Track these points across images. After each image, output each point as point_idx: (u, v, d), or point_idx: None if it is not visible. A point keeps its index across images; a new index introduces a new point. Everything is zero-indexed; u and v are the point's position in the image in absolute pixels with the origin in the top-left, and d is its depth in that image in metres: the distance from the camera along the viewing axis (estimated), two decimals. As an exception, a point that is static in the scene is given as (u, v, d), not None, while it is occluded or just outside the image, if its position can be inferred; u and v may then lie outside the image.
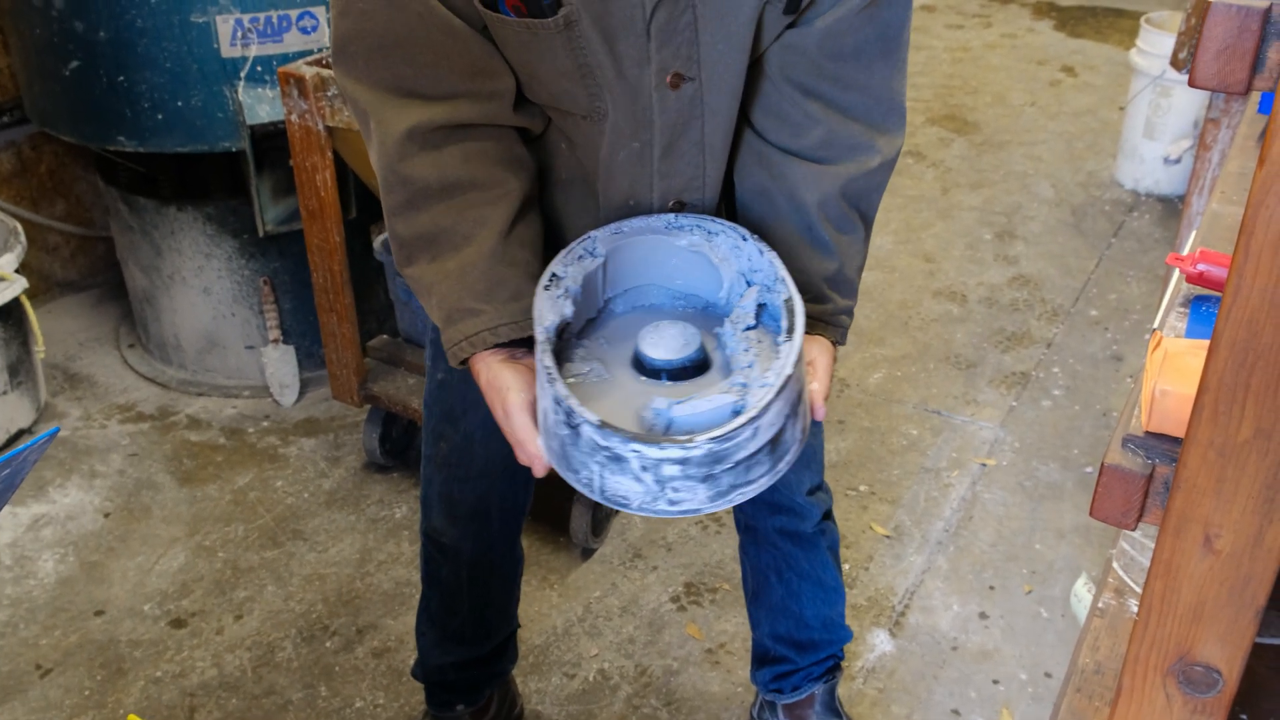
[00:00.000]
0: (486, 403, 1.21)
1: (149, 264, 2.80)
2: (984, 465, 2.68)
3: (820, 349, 1.25)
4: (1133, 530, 0.89)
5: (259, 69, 2.46)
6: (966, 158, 4.29)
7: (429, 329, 1.54)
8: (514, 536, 1.74)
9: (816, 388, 1.21)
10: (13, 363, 2.62)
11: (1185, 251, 1.13)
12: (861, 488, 2.60)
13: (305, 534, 2.44)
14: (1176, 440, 0.84)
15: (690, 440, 1.00)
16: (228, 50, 2.43)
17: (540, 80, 1.20)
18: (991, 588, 2.33)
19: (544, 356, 1.08)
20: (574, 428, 1.04)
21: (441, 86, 1.16)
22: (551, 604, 2.26)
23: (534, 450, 1.15)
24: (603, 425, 1.02)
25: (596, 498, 1.08)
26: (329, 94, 2.16)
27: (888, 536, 2.46)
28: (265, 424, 2.79)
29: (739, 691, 2.09)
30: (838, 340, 1.32)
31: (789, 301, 1.14)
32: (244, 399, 2.86)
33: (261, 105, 2.46)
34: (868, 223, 1.34)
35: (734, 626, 2.22)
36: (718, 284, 1.23)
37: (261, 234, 2.61)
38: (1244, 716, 1.06)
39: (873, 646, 2.18)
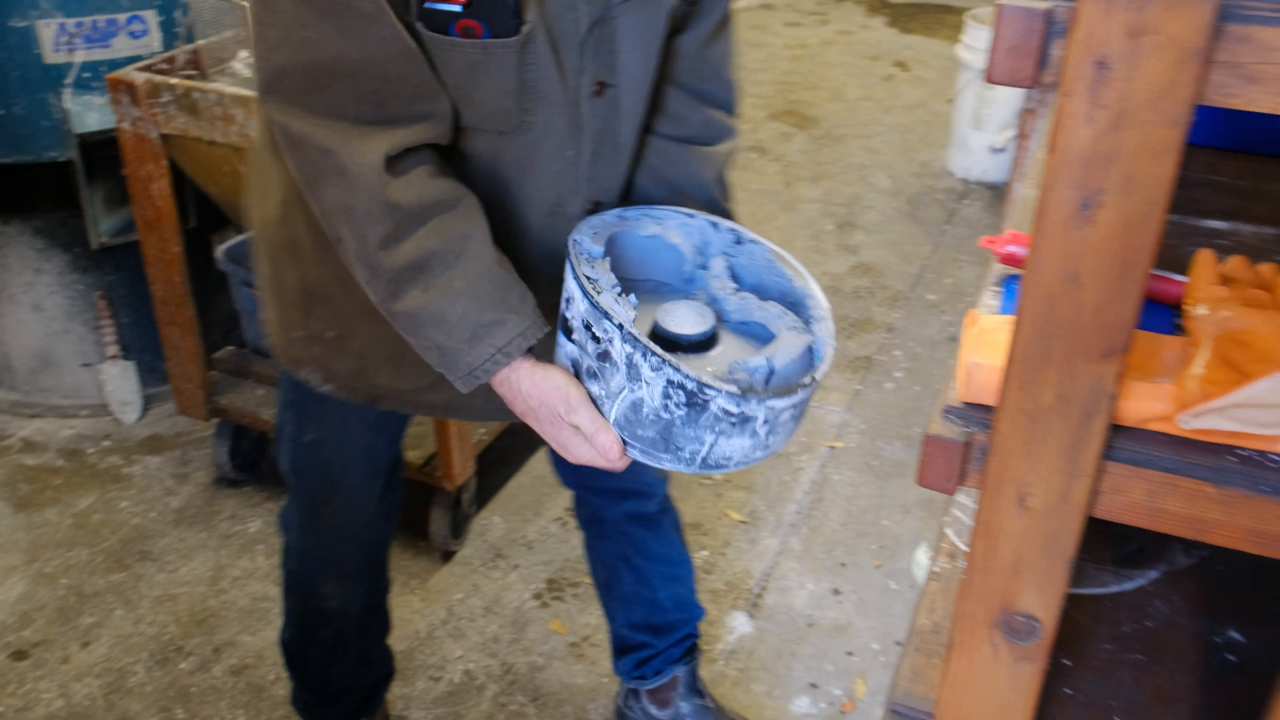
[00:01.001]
0: (528, 411, 1.21)
1: (-27, 282, 2.67)
2: (832, 448, 2.78)
3: None
4: (954, 495, 0.96)
5: (86, 75, 2.37)
6: (807, 151, 4.41)
7: (284, 388, 1.50)
8: (387, 569, 1.76)
9: None
10: None
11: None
12: (716, 476, 2.67)
13: (154, 554, 2.37)
14: (990, 409, 0.90)
15: (812, 379, 1.15)
16: (51, 56, 2.34)
17: (473, 100, 1.19)
18: (843, 564, 2.42)
19: (653, 346, 1.10)
20: (698, 405, 1.10)
21: (399, 110, 1.14)
22: (413, 609, 2.26)
23: (607, 441, 1.16)
24: (744, 392, 1.09)
25: (692, 470, 1.16)
26: (162, 100, 2.11)
27: (743, 522, 2.53)
28: (106, 443, 2.69)
29: (604, 682, 2.12)
30: None
31: (775, 251, 1.28)
32: (82, 419, 2.76)
33: (90, 113, 2.38)
34: None
35: (597, 619, 2.25)
36: (677, 262, 1.30)
37: (95, 246, 2.52)
38: (1067, 662, 1.14)
39: (732, 629, 2.24)
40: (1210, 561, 1.30)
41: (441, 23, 1.13)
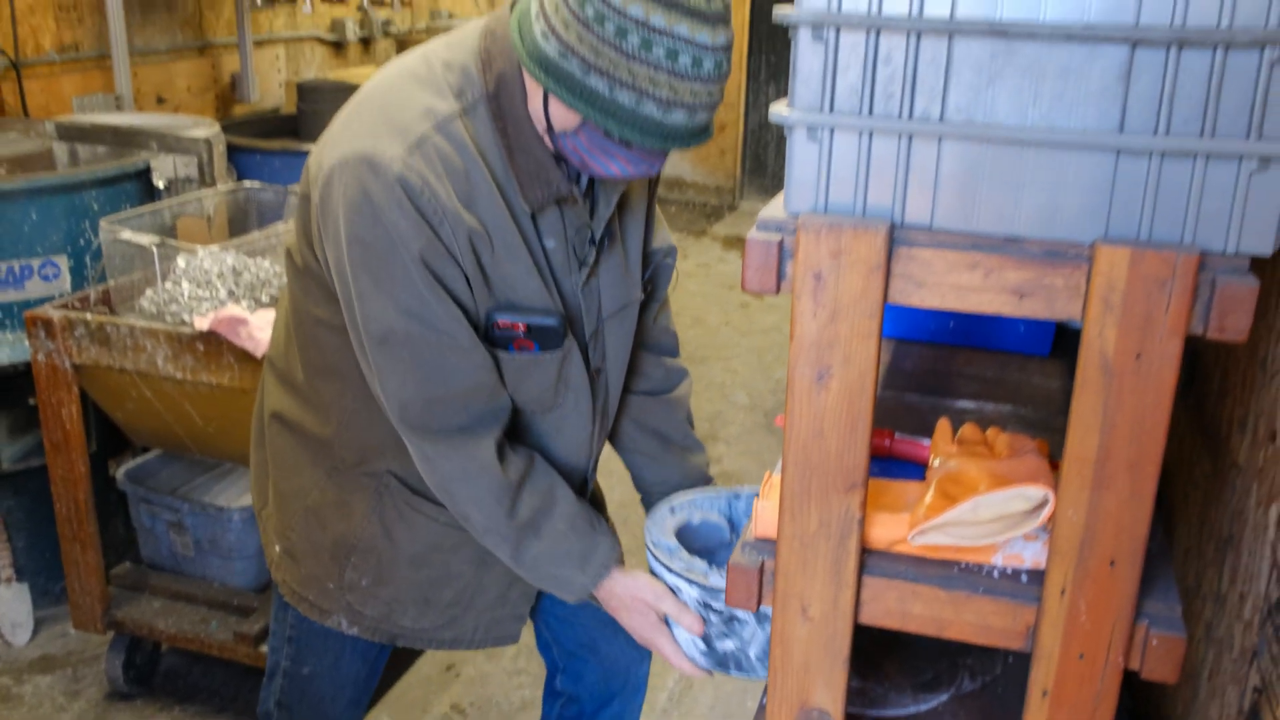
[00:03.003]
0: (622, 608, 1.52)
1: None
2: (701, 638, 2.98)
3: None
4: (755, 610, 1.20)
5: (-1, 315, 2.58)
6: (673, 373, 4.78)
7: (285, 625, 1.68)
8: None
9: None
10: None
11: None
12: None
13: (44, 769, 2.42)
14: (774, 541, 1.16)
15: None
16: (-33, 299, 2.55)
17: (519, 392, 1.49)
18: (713, 744, 2.59)
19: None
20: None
21: (489, 410, 1.43)
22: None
23: (691, 621, 1.46)
24: None
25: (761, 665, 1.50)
26: (75, 334, 2.33)
27: (619, 709, 2.69)
28: (-4, 666, 2.75)
29: None
30: None
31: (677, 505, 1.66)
32: (-29, 643, 2.81)
33: (1, 349, 2.57)
34: None
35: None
36: (720, 533, 1.67)
37: (-4, 473, 2.66)
38: (870, 768, 1.37)
39: (610, 809, 2.38)
40: (991, 686, 1.55)
41: (504, 342, 1.44)
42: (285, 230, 2.66)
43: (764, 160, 7.83)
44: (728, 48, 1.26)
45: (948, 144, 0.99)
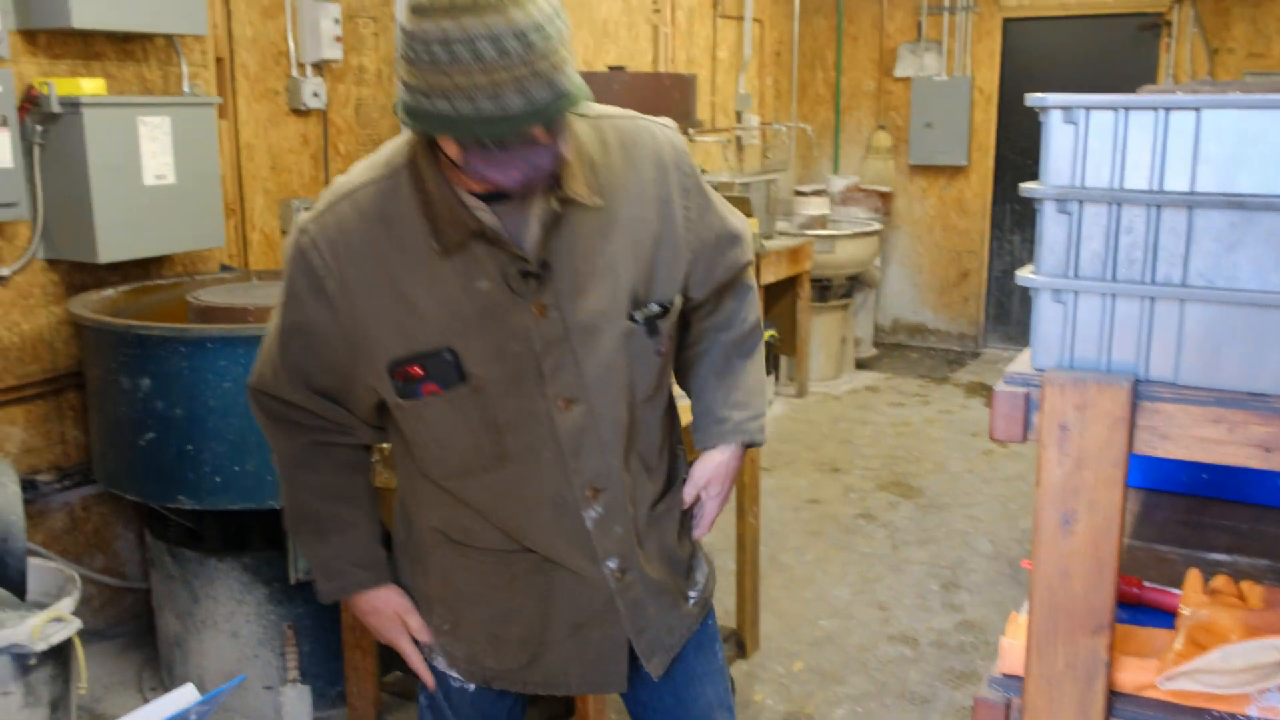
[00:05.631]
0: (362, 616, 1.77)
1: (185, 610, 3.13)
2: (940, 791, 2.92)
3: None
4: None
5: (305, 439, 2.92)
6: (913, 519, 4.75)
7: (423, 691, 1.84)
8: None
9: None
10: (54, 699, 2.88)
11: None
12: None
13: None
14: (1021, 678, 1.21)
15: None
16: (281, 424, 2.90)
17: (455, 445, 1.58)
18: None
19: None
20: None
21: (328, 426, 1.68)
22: None
23: (416, 622, 1.73)
24: None
25: None
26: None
27: None
28: (278, 760, 3.00)
29: None
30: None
31: None
32: (258, 738, 3.09)
33: (305, 469, 2.90)
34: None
35: None
36: None
37: (292, 581, 2.97)
38: None
39: None
40: None
41: (414, 392, 1.54)
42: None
43: (1008, 308, 7.75)
44: (511, 31, 1.29)
45: (1190, 306, 1.07)
